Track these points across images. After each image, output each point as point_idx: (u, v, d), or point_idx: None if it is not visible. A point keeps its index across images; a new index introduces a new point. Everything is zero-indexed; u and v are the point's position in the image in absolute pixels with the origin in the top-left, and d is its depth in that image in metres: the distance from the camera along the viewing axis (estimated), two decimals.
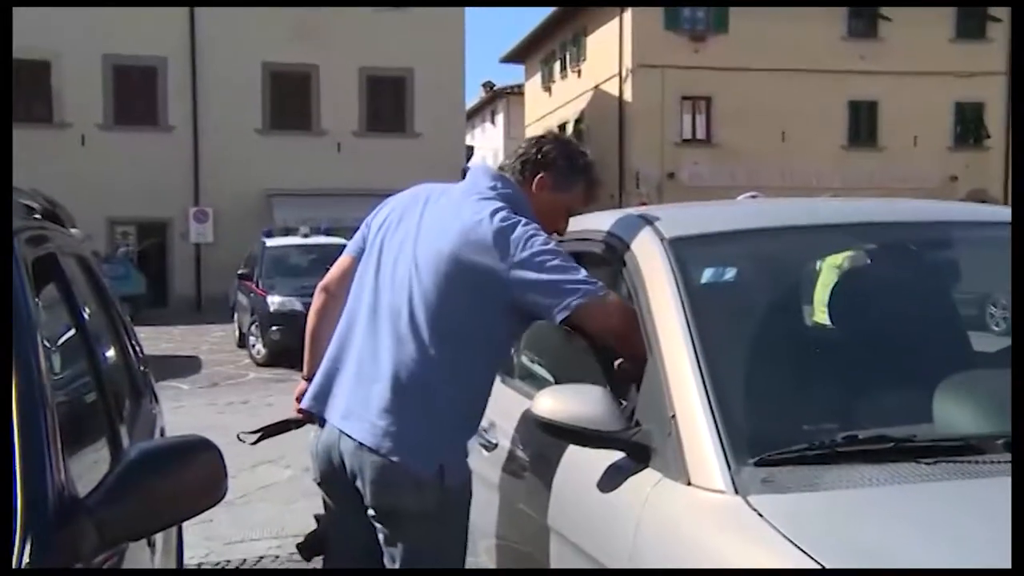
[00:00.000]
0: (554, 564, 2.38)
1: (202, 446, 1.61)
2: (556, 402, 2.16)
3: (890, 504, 1.74)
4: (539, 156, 2.70)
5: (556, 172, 2.69)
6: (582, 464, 2.27)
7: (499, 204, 2.52)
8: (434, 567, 2.49)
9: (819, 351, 2.57)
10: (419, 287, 2.48)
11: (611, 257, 2.63)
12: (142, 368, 3.34)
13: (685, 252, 2.39)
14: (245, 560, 5.32)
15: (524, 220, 2.48)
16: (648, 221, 2.57)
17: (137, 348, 3.41)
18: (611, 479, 2.13)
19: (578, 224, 3.17)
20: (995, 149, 32.98)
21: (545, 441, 2.37)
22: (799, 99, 30.79)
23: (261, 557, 5.37)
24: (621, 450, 2.12)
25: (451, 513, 2.49)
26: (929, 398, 2.14)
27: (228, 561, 5.30)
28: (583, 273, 2.41)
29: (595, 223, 3.14)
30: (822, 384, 2.30)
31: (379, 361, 2.48)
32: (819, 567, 1.52)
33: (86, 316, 2.51)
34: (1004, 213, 3.06)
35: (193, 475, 1.59)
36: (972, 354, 2.74)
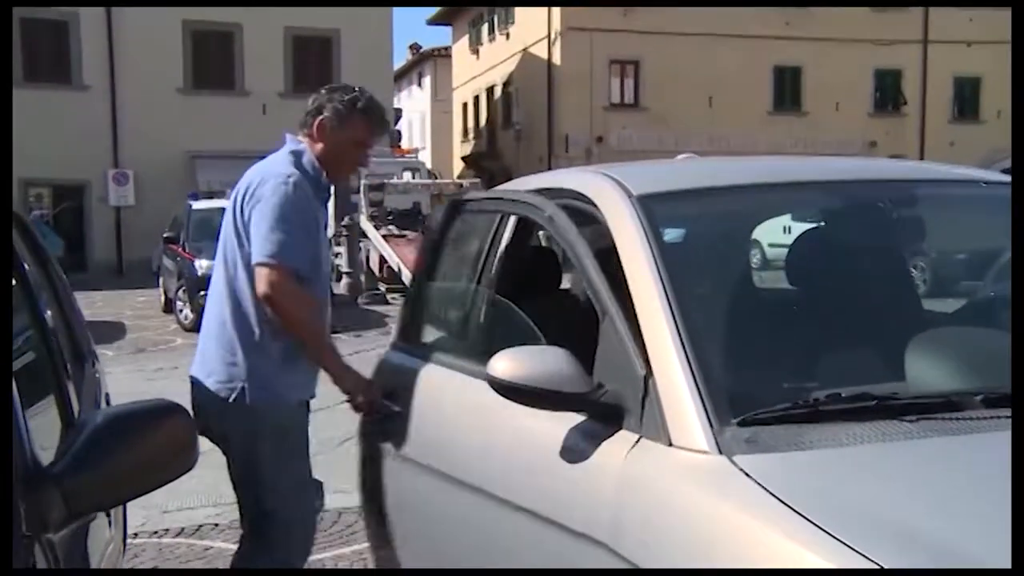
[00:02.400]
0: (498, 534, 2.33)
1: (171, 411, 1.52)
2: (516, 363, 2.07)
3: (878, 462, 1.73)
4: (314, 106, 3.22)
5: (329, 115, 3.17)
6: (528, 429, 2.20)
7: (265, 165, 3.16)
8: (260, 480, 3.06)
9: (795, 309, 2.55)
10: (228, 245, 3.09)
11: (576, 214, 2.57)
12: (83, 331, 3.19)
13: (654, 209, 2.34)
14: (184, 529, 5.19)
15: (276, 179, 3.03)
16: (613, 178, 2.51)
17: (76, 309, 3.26)
18: (579, 443, 2.06)
19: (538, 182, 3.11)
20: (912, 116, 33.74)
21: (470, 406, 2.40)
22: (726, 64, 31.04)
23: (200, 526, 5.24)
24: (589, 412, 2.06)
25: (265, 429, 3.02)
26: (899, 356, 2.14)
27: (166, 530, 5.17)
28: (287, 239, 2.93)
29: (554, 180, 3.08)
30: (797, 343, 2.28)
31: (210, 319, 3.14)
32: (828, 537, 1.48)
33: (27, 272, 2.37)
34: (952, 171, 3.08)
35: (163, 441, 1.50)
36: (930, 313, 2.76)
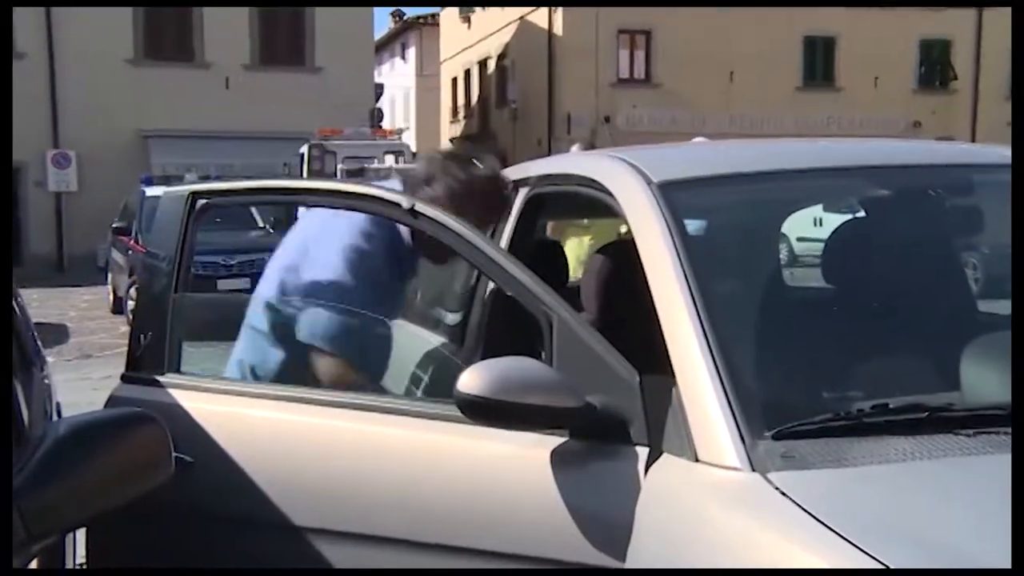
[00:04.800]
0: None
1: (142, 420, 1.54)
2: (493, 378, 1.99)
3: (932, 482, 1.75)
4: (423, 171, 3.05)
5: (441, 193, 2.93)
6: (494, 459, 2.16)
7: None
8: None
9: (833, 309, 2.58)
10: None
11: (590, 204, 2.60)
12: (31, 332, 3.22)
13: (677, 198, 2.37)
14: None
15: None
16: (629, 163, 2.54)
17: (23, 308, 3.28)
18: (580, 463, 2.06)
19: (542, 167, 3.15)
20: (963, 92, 33.73)
21: (396, 446, 2.29)
22: (749, 34, 31.03)
23: None
24: (581, 428, 2.06)
25: None
26: (954, 363, 2.17)
27: None
28: None
29: (562, 166, 3.11)
30: (837, 348, 2.31)
31: None
32: (878, 565, 1.50)
33: None
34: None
35: (133, 454, 1.52)
36: (987, 315, 2.79)
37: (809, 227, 5.32)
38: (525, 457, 2.10)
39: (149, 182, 17.39)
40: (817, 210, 4.24)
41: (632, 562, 1.90)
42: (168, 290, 2.70)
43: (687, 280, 2.12)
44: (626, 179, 2.47)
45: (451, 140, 40.42)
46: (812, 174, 2.70)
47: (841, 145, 3.45)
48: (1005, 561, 1.50)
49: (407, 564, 2.22)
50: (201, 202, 2.77)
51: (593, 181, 2.61)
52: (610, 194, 2.49)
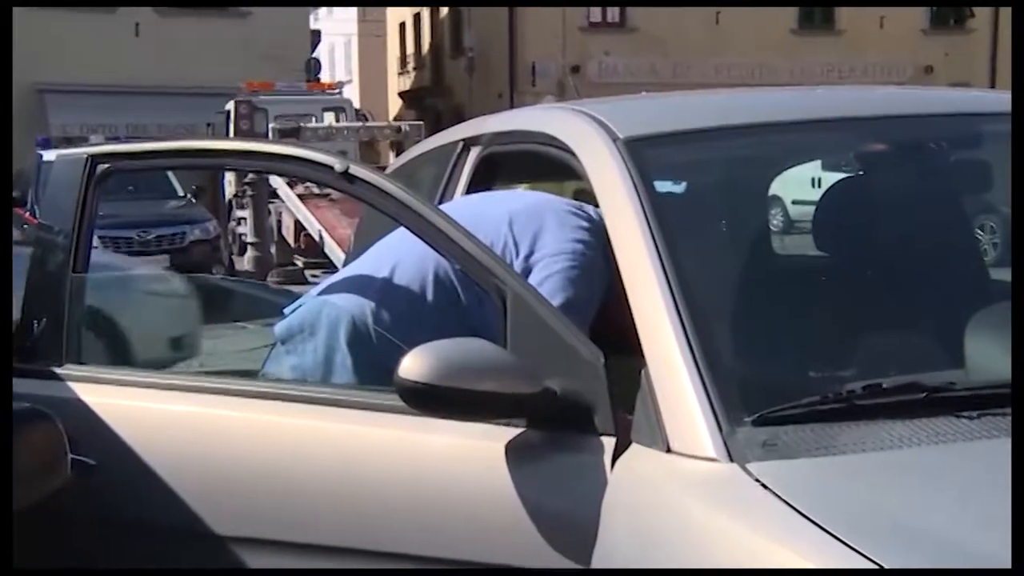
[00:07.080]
0: None
1: (33, 417, 1.55)
2: (438, 361, 1.99)
3: (931, 470, 1.78)
4: None
5: None
6: (441, 453, 2.18)
7: None
8: None
9: (824, 280, 2.62)
10: None
11: (550, 165, 2.62)
12: None
13: (646, 156, 2.39)
14: None
15: None
16: (593, 117, 2.56)
17: None
18: (539, 457, 2.09)
19: (497, 123, 3.16)
20: (980, 31, 33.92)
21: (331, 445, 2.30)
22: None
23: None
24: (540, 418, 2.08)
25: None
26: (958, 337, 2.20)
27: None
28: None
29: (519, 121, 3.13)
30: (827, 322, 2.34)
31: None
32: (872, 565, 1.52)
33: None
34: None
35: (23, 456, 1.52)
36: (999, 283, 2.84)
37: (806, 188, 5.39)
38: (476, 450, 2.12)
39: (47, 145, 17.26)
40: (815, 169, 4.27)
41: (598, 565, 1.93)
42: (64, 269, 2.68)
43: (657, 249, 2.14)
44: (588, 135, 2.49)
45: (400, 95, 40.32)
46: (800, 127, 2.73)
47: (836, 93, 3.49)
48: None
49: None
50: (102, 167, 2.75)
51: (552, 138, 2.62)
52: (571, 152, 2.51)
